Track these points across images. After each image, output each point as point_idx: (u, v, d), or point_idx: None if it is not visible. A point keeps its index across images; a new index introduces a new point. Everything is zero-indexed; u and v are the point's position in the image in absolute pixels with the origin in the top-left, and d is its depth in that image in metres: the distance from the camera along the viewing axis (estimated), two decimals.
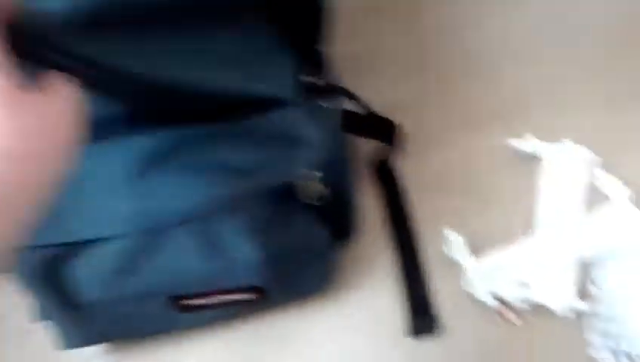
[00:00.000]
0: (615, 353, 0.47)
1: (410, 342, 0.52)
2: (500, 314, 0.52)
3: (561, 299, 0.50)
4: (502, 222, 0.56)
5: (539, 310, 0.51)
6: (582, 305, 0.49)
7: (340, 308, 0.54)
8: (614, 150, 0.57)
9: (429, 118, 0.62)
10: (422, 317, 0.53)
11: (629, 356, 0.46)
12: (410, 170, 0.59)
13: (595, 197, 0.55)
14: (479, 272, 0.52)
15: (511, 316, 0.51)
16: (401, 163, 0.60)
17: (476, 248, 0.54)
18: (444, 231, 0.55)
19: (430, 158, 0.60)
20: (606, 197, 0.55)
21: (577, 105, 0.61)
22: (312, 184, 0.45)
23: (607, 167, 0.57)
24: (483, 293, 0.52)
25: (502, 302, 0.52)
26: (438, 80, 0.64)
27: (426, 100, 0.63)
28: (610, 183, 0.55)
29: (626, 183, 0.55)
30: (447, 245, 0.54)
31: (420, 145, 0.60)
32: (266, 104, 0.40)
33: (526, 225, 0.55)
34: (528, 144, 0.58)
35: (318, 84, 0.46)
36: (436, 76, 0.65)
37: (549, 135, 0.58)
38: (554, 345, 0.51)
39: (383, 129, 0.60)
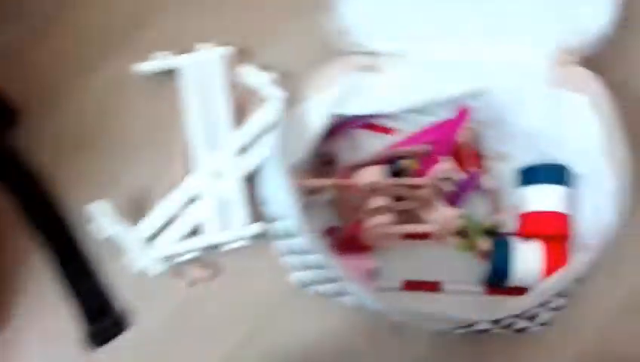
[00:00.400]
0: (304, 266, 0.42)
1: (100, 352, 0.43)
2: (183, 277, 0.44)
3: (235, 230, 0.44)
4: (160, 164, 0.47)
5: (222, 251, 0.45)
6: (258, 228, 0.43)
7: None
8: (251, 39, 0.50)
9: (43, 70, 0.49)
10: (101, 322, 0.43)
11: (317, 265, 0.41)
12: (36, 143, 0.47)
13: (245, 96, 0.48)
14: (141, 241, 0.44)
15: (195, 272, 0.44)
16: (23, 139, 0.47)
17: (140, 207, 0.45)
18: (87, 206, 0.44)
19: (57, 118, 0.48)
20: (256, 95, 0.48)
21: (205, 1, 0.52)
22: None
23: (248, 58, 0.49)
24: (155, 263, 0.43)
25: (180, 262, 0.44)
26: (42, 21, 0.50)
27: (32, 51, 0.49)
28: (252, 75, 0.48)
29: (270, 69, 0.48)
30: (95, 223, 0.44)
31: (41, 108, 0.48)
32: None
33: (186, 158, 0.46)
34: (161, 62, 0.48)
35: None
36: (39, 17, 0.50)
37: (183, 43, 0.49)
38: (252, 278, 0.45)
39: None
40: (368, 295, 0.37)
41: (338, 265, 0.37)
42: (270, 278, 0.44)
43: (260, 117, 0.46)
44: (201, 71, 0.48)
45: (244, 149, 0.46)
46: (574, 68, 0.40)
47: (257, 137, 0.46)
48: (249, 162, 0.45)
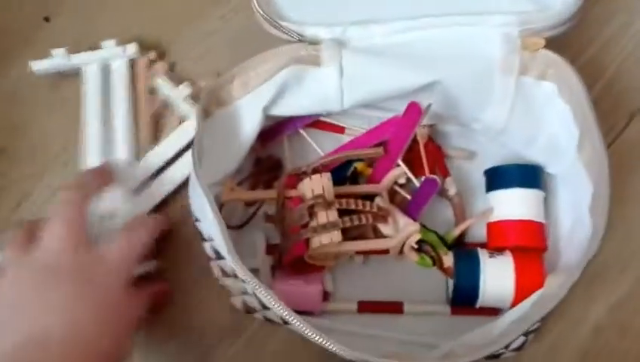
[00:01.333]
0: (242, 291, 0.36)
1: None
2: None
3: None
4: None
5: None
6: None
7: None
8: (172, 31, 0.45)
9: None
10: None
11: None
12: None
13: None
14: None
15: None
16: None
17: None
18: None
19: None
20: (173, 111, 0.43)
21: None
22: None
23: (165, 53, 0.45)
24: None
25: None
26: None
27: None
28: (167, 88, 0.43)
29: (192, 62, 0.44)
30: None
31: None
32: None
33: None
34: (60, 60, 0.43)
35: None
36: None
37: (87, 40, 0.45)
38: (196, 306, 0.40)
39: None
40: (308, 329, 0.31)
41: (270, 295, 0.31)
42: (211, 305, 0.40)
43: (175, 138, 0.41)
44: (107, 73, 0.43)
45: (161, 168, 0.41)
46: (540, 51, 0.34)
47: (173, 158, 0.41)
48: (161, 188, 0.41)
